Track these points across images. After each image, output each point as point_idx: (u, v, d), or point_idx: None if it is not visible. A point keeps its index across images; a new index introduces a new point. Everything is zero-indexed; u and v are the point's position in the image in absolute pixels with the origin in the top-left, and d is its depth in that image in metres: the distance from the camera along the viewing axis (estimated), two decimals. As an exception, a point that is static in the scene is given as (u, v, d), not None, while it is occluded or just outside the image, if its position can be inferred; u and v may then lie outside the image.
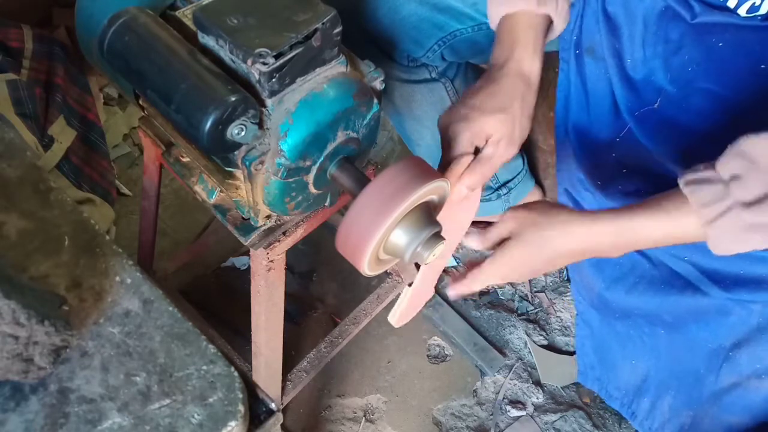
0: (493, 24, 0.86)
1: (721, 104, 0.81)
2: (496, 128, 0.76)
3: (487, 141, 0.77)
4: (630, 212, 0.69)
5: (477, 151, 0.78)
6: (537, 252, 0.72)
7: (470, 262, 0.78)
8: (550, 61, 1.44)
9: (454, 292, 0.78)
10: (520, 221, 0.72)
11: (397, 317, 0.79)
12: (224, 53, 0.69)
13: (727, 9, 0.79)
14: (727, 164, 0.63)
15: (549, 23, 0.85)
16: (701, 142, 0.82)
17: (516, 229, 0.73)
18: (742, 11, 0.78)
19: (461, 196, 0.76)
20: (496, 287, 1.50)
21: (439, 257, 0.77)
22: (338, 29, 0.70)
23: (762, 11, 0.78)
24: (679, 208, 0.66)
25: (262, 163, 0.71)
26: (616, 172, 0.89)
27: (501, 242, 0.75)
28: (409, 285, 0.76)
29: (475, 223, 1.51)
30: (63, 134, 1.38)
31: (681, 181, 0.66)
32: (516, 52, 0.80)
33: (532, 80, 0.81)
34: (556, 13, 0.84)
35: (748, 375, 0.78)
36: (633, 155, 0.87)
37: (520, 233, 0.72)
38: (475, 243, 0.78)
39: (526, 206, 0.73)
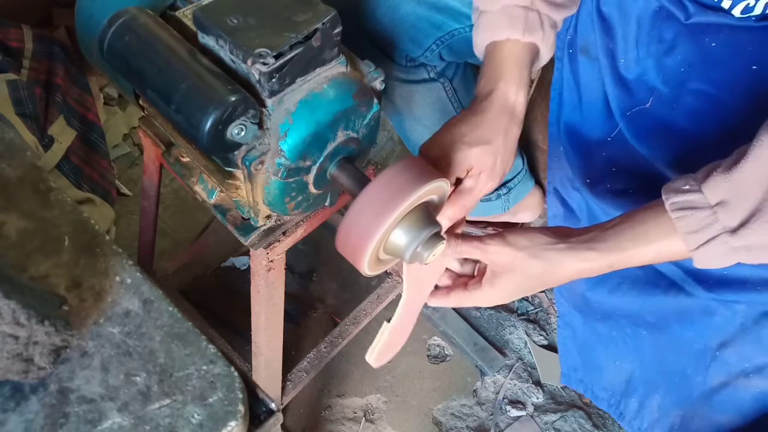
0: (479, 52, 0.86)
1: (712, 104, 0.81)
2: (478, 161, 0.76)
3: (467, 173, 0.77)
4: (618, 242, 0.68)
5: (458, 182, 0.78)
6: (526, 286, 0.72)
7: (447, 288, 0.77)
8: (550, 60, 1.44)
9: (434, 301, 0.77)
10: (507, 260, 0.70)
11: (375, 356, 0.76)
12: (224, 53, 0.69)
13: (722, 9, 0.79)
14: (714, 188, 0.63)
15: (536, 52, 0.84)
16: (692, 142, 0.82)
17: (505, 267, 0.71)
18: (737, 12, 0.78)
19: (445, 228, 0.75)
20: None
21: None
22: (338, 29, 0.70)
23: (756, 12, 0.78)
24: (668, 234, 0.66)
25: (262, 163, 0.71)
26: (606, 170, 0.89)
27: (482, 272, 0.74)
28: (388, 321, 0.75)
29: (474, 223, 1.52)
30: (63, 134, 1.38)
31: (667, 204, 0.65)
32: (501, 84, 0.80)
33: (517, 113, 0.81)
34: (543, 42, 0.83)
35: (736, 374, 0.79)
36: (623, 155, 0.88)
37: (507, 273, 0.71)
38: (455, 266, 0.78)
39: (509, 242, 0.71)
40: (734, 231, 0.62)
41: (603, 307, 0.91)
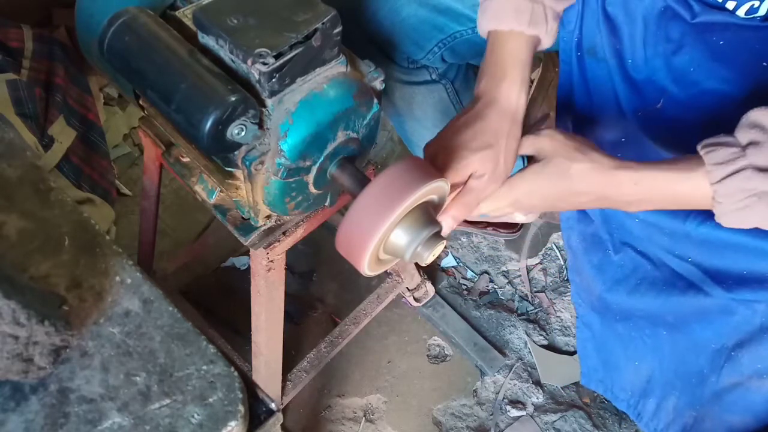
0: (482, 33, 0.86)
1: (724, 102, 0.81)
2: (481, 165, 0.77)
3: (470, 176, 0.78)
4: (650, 165, 0.72)
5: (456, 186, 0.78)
6: (559, 182, 0.74)
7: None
8: (550, 59, 1.43)
9: (455, 212, 0.77)
10: (558, 145, 0.74)
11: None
12: (224, 53, 0.69)
13: (726, 10, 0.79)
14: (745, 132, 0.65)
15: (537, 42, 0.85)
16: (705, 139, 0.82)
17: (548, 152, 0.74)
18: (741, 12, 0.79)
19: (450, 228, 0.76)
20: (495, 287, 1.50)
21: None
22: (338, 29, 0.70)
23: (761, 12, 0.78)
24: (694, 168, 0.67)
25: (262, 163, 0.71)
26: None
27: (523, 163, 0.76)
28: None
29: (474, 223, 1.52)
30: (63, 134, 1.38)
31: (699, 145, 0.67)
32: (504, 86, 0.81)
33: (519, 115, 0.82)
34: (546, 34, 0.84)
35: (749, 375, 0.79)
36: (638, 155, 0.87)
37: (551, 157, 0.74)
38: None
39: (567, 134, 0.76)
40: (762, 170, 0.62)
41: (622, 308, 0.91)
